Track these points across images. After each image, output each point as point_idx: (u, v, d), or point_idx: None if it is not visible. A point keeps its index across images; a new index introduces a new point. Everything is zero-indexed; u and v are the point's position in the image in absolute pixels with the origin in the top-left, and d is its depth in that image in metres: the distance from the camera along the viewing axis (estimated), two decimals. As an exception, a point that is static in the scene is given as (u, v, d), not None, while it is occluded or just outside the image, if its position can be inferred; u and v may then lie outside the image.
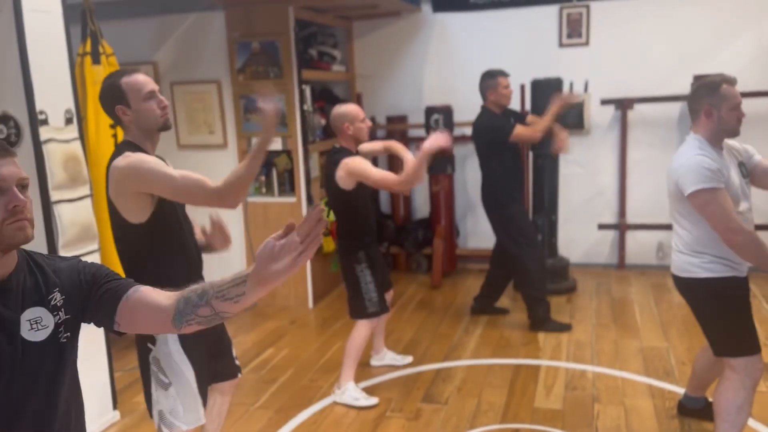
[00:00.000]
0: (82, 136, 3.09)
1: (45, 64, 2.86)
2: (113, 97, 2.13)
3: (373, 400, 3.36)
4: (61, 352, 1.34)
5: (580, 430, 3.01)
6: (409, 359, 3.87)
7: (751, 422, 2.95)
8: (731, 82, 2.48)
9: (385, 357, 3.85)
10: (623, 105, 5.23)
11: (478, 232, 5.84)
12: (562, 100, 4.14)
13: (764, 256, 2.35)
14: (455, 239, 5.71)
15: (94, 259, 3.10)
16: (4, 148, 1.26)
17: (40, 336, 1.29)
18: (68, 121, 2.98)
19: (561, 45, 5.38)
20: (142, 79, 2.15)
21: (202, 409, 2.25)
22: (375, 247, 3.46)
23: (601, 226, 5.47)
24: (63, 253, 2.93)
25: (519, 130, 4.08)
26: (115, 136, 3.68)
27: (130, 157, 2.07)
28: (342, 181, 3.20)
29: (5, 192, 1.23)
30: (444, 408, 3.29)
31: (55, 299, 1.33)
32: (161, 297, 1.38)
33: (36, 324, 1.29)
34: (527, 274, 4.27)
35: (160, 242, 2.17)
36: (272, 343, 4.26)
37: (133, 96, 2.12)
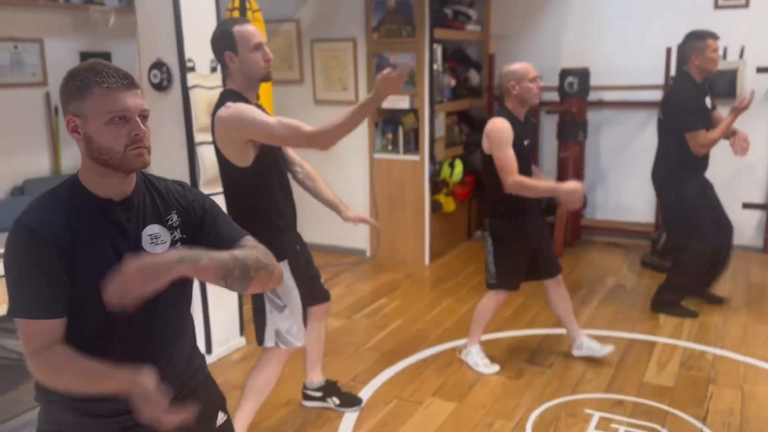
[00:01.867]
0: (225, 85, 3.37)
1: (195, 16, 3.15)
2: (224, 42, 2.30)
3: (495, 368, 3.30)
4: None
5: (688, 409, 2.88)
6: (610, 348, 3.37)
7: None
8: None
9: (583, 345, 3.40)
10: (784, 73, 4.73)
11: (609, 204, 5.62)
12: (739, 109, 3.61)
13: None
14: (582, 209, 5.53)
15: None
16: (131, 81, 1.39)
17: (158, 249, 1.44)
18: (213, 69, 3.27)
19: (717, 6, 4.94)
20: (252, 29, 2.30)
21: (304, 331, 2.49)
22: (506, 220, 3.19)
23: (746, 205, 5.04)
24: (204, 189, 3.25)
25: (699, 136, 3.61)
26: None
27: (230, 108, 2.25)
28: (485, 144, 3.06)
29: (129, 121, 1.36)
30: (547, 371, 3.29)
31: (172, 219, 1.48)
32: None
33: (155, 239, 1.45)
34: (682, 267, 3.88)
35: (264, 181, 2.36)
36: (386, 294, 4.45)
37: (243, 45, 2.27)
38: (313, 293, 2.67)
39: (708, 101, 3.79)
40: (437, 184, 5.11)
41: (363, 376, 3.27)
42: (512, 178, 2.96)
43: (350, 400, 2.95)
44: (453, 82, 5.33)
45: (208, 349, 3.43)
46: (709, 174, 5.30)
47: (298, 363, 3.00)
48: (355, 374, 3.29)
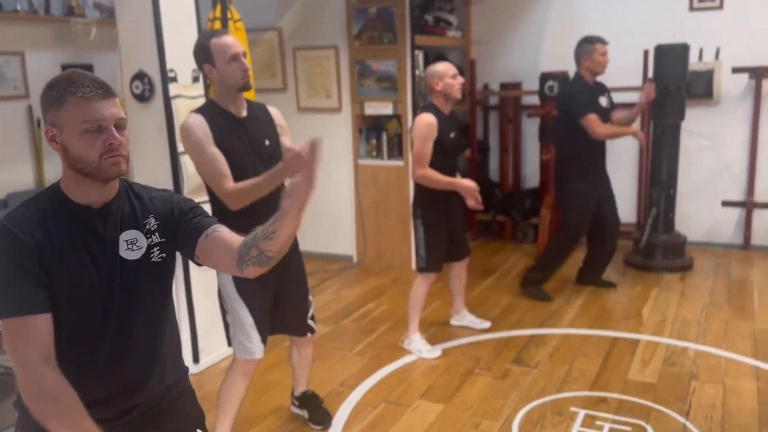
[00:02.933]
0: (207, 94, 3.40)
1: (176, 27, 3.17)
2: (202, 55, 2.37)
3: (436, 352, 3.51)
4: (154, 271, 1.50)
5: (671, 405, 2.93)
6: (487, 324, 3.87)
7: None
8: None
9: (465, 318, 3.92)
10: (758, 74, 4.83)
11: (590, 205, 5.69)
12: (644, 100, 4.16)
13: None
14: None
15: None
16: (107, 90, 1.39)
17: (135, 255, 1.47)
18: (195, 79, 3.29)
19: (692, 8, 5.04)
20: (229, 41, 2.34)
21: (259, 346, 2.47)
22: (440, 210, 3.44)
23: (726, 203, 5.12)
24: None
25: (593, 120, 3.92)
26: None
27: (186, 119, 2.33)
28: (417, 140, 3.32)
29: (104, 130, 1.37)
30: (533, 371, 3.32)
31: (150, 224, 1.50)
32: (234, 240, 1.50)
33: (132, 244, 1.47)
34: (556, 247, 4.31)
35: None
36: (373, 299, 4.47)
37: (219, 57, 2.32)
38: (293, 322, 2.64)
39: (604, 101, 4.09)
40: (422, 189, 5.15)
41: (351, 380, 3.29)
42: (420, 170, 3.27)
43: (318, 418, 2.87)
44: (435, 88, 5.37)
45: (195, 359, 3.43)
46: (689, 173, 5.39)
47: (288, 369, 3.02)
48: (342, 379, 3.30)
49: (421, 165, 3.26)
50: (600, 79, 4.13)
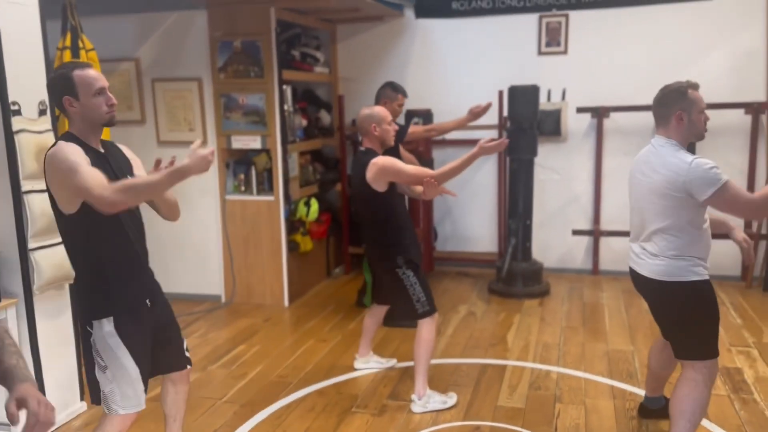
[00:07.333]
0: (56, 128, 3.12)
1: (20, 56, 2.89)
2: (63, 87, 2.19)
3: (453, 398, 3.34)
4: None
5: (539, 428, 3.06)
6: (393, 361, 3.84)
7: (706, 423, 3.01)
8: (695, 87, 2.58)
9: (371, 360, 3.83)
10: (599, 113, 5.32)
11: (457, 235, 5.92)
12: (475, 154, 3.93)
13: None
14: (433, 242, 5.77)
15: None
16: None
17: None
18: (42, 112, 3.01)
19: (540, 53, 5.46)
20: (94, 74, 2.21)
21: (143, 395, 2.31)
22: (416, 249, 3.38)
23: (576, 232, 5.54)
24: (33, 243, 2.96)
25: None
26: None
27: (57, 145, 2.15)
28: (374, 182, 3.15)
29: None
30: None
31: None
32: None
33: None
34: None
35: (94, 236, 2.21)
36: (244, 340, 4.29)
37: (84, 90, 2.18)
38: (164, 360, 2.47)
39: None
40: (293, 224, 5.08)
41: (222, 431, 3.11)
42: (426, 172, 3.10)
43: None
44: (304, 122, 5.36)
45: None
46: (543, 204, 5.78)
47: (151, 424, 2.79)
48: (213, 431, 3.11)
49: (426, 173, 3.07)
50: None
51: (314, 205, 5.17)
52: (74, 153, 2.11)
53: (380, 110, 3.26)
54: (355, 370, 3.77)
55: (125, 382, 2.26)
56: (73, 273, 2.39)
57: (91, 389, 2.32)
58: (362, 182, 3.18)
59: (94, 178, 2.04)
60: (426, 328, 3.31)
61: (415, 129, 4.26)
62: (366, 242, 3.51)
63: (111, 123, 2.24)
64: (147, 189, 2.10)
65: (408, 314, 3.39)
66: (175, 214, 2.50)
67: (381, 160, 3.14)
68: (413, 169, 3.18)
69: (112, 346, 2.22)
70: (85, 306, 2.28)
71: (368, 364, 3.79)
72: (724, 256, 4.84)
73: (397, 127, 3.33)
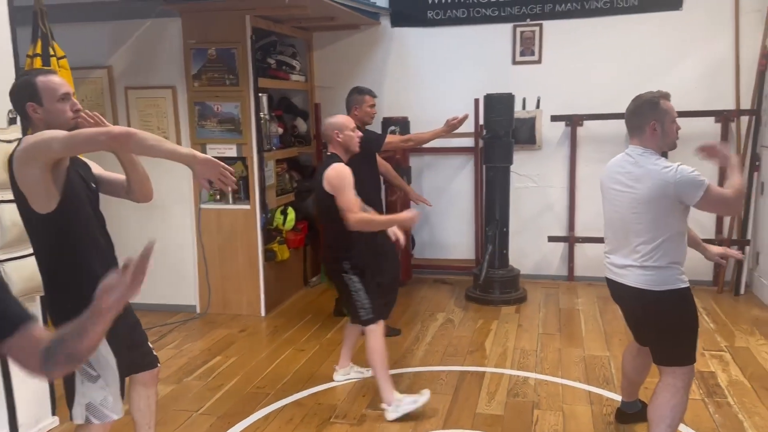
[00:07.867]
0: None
1: (-12, 62, 2.84)
2: (26, 93, 2.15)
3: (425, 395, 3.30)
4: None
5: (518, 435, 3.07)
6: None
7: (682, 427, 3.05)
8: (667, 96, 2.62)
9: (351, 371, 3.77)
10: (573, 121, 5.39)
11: (434, 243, 5.92)
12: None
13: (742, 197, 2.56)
14: (411, 249, 5.77)
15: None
16: None
17: None
18: (11, 121, 2.95)
19: (514, 62, 5.52)
20: (58, 80, 2.18)
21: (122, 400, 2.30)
22: (375, 257, 3.39)
23: (551, 239, 5.59)
24: (3, 254, 2.88)
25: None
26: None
27: (21, 144, 2.10)
28: (328, 187, 3.19)
29: None
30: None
31: None
32: (44, 337, 1.32)
33: None
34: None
35: (73, 232, 2.18)
36: (220, 351, 4.24)
37: (48, 96, 2.15)
38: (136, 360, 2.46)
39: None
40: (270, 233, 5.03)
41: (198, 443, 3.06)
42: (355, 216, 3.13)
43: None
44: (280, 130, 5.33)
45: (14, 435, 3.00)
46: (519, 211, 5.81)
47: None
48: (189, 443, 3.07)
49: (354, 211, 3.13)
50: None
51: (291, 213, 5.14)
52: (51, 133, 2.07)
53: (343, 118, 3.36)
54: (334, 381, 3.74)
55: (115, 388, 2.25)
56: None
57: (69, 405, 2.25)
58: (320, 186, 3.23)
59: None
60: (372, 336, 3.30)
61: (392, 139, 4.27)
62: (323, 246, 3.56)
63: (77, 128, 2.19)
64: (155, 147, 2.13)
65: (355, 320, 3.42)
66: (147, 190, 2.46)
67: (335, 171, 3.18)
68: (349, 199, 3.14)
69: (104, 353, 2.19)
70: (67, 310, 2.22)
71: (348, 376, 3.75)
72: (696, 261, 4.91)
73: (361, 134, 3.37)
